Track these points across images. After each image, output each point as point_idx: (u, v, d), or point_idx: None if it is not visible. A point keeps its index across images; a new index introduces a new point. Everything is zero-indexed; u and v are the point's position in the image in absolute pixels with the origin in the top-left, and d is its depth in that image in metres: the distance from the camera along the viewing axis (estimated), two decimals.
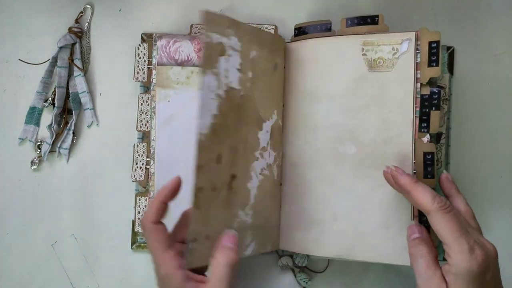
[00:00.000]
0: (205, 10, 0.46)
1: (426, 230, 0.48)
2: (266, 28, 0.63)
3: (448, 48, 0.63)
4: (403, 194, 0.48)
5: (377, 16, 0.54)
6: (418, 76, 0.52)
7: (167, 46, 0.59)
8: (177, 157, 0.58)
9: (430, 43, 0.51)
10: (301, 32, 0.59)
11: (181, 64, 0.59)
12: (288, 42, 0.60)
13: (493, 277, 0.43)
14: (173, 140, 0.59)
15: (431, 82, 0.52)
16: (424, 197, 0.45)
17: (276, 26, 0.63)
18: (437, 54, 0.51)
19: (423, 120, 0.52)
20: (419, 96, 0.52)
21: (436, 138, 0.60)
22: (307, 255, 0.61)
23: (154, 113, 0.58)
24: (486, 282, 0.42)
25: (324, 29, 0.57)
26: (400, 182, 0.47)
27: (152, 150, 0.59)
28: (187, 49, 0.59)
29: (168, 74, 0.59)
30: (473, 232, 0.44)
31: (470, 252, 0.42)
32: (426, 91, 0.52)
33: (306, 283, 0.62)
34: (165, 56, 0.59)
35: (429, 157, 0.52)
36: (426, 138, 0.52)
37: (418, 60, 0.52)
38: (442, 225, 0.43)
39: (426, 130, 0.52)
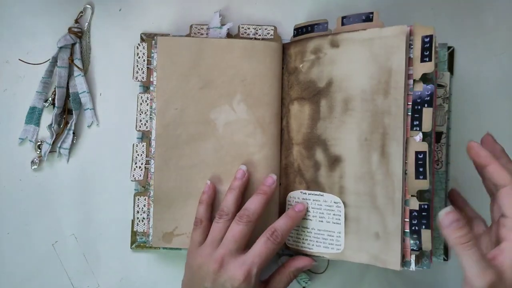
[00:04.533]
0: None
1: (461, 216, 0.47)
2: (265, 28, 0.63)
3: (448, 48, 0.63)
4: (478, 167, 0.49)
5: (372, 13, 0.54)
6: (411, 72, 0.51)
7: None
8: None
9: (423, 37, 0.50)
10: (300, 32, 0.59)
11: None
12: (288, 42, 0.61)
13: None
14: None
15: (426, 79, 0.51)
16: (503, 172, 0.46)
17: (275, 27, 0.63)
18: (430, 49, 0.50)
19: (415, 118, 0.51)
20: (412, 93, 0.51)
21: (436, 137, 0.60)
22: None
23: (154, 113, 0.58)
24: None
25: (322, 28, 0.57)
26: (479, 155, 0.48)
27: (151, 150, 0.59)
28: None
29: None
30: None
31: None
32: (419, 87, 0.51)
33: (306, 283, 0.62)
34: None
35: (421, 156, 0.50)
36: (418, 137, 0.50)
37: (411, 55, 0.51)
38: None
39: (418, 129, 0.50)
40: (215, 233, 0.54)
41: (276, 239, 0.52)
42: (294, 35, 0.60)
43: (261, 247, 0.52)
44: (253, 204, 0.54)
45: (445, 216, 0.44)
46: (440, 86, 0.62)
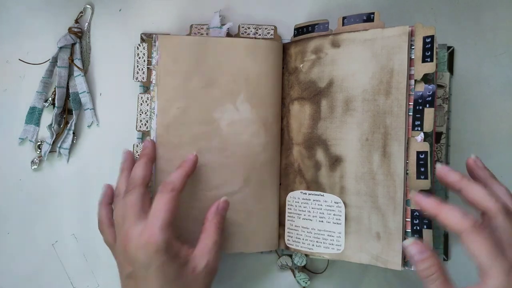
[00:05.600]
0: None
1: (430, 247, 0.46)
2: (265, 28, 0.63)
3: (448, 48, 0.63)
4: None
5: (373, 13, 0.54)
6: (412, 72, 0.51)
7: None
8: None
9: (424, 38, 0.50)
10: (300, 32, 0.59)
11: None
12: (288, 42, 0.61)
13: None
14: None
15: (427, 79, 0.51)
16: (453, 216, 0.42)
17: (275, 27, 0.63)
18: (431, 49, 0.50)
19: (417, 118, 0.51)
20: (413, 93, 0.51)
21: (435, 137, 0.60)
22: (306, 255, 0.61)
23: (154, 113, 0.58)
24: None
25: (322, 28, 0.57)
26: (425, 206, 0.46)
27: None
28: None
29: None
30: (510, 249, 0.42)
31: (507, 275, 0.40)
32: (420, 88, 0.51)
33: (306, 283, 0.62)
34: None
35: (423, 156, 0.50)
36: (419, 137, 0.51)
37: (413, 56, 0.51)
38: (476, 247, 0.41)
39: (419, 129, 0.51)
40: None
41: (169, 188, 0.50)
42: (294, 35, 0.60)
43: (157, 203, 0.49)
44: (138, 169, 0.53)
45: (410, 247, 0.45)
46: (439, 86, 0.62)
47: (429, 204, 0.45)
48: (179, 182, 0.51)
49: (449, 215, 0.43)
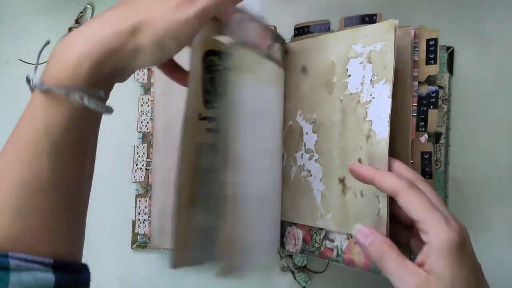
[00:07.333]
0: None
1: (376, 229, 0.45)
2: None
3: (448, 48, 0.63)
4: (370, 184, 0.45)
5: (375, 14, 0.54)
6: (416, 74, 0.52)
7: None
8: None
9: (428, 40, 0.51)
10: (300, 32, 0.59)
11: None
12: (287, 43, 0.61)
13: (470, 249, 0.42)
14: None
15: (429, 81, 0.51)
16: (390, 179, 0.43)
17: (275, 26, 0.63)
18: (435, 51, 0.50)
19: (421, 119, 0.51)
20: (417, 94, 0.51)
21: (435, 138, 0.60)
22: (306, 256, 0.61)
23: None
24: (467, 253, 0.41)
25: (323, 29, 0.57)
26: (361, 173, 0.45)
27: (151, 151, 0.59)
28: None
29: None
30: (441, 207, 0.42)
31: (447, 223, 0.40)
32: (424, 89, 0.51)
33: (306, 282, 0.62)
34: None
35: (427, 156, 0.51)
36: (424, 138, 0.51)
37: (416, 58, 0.52)
38: (414, 202, 0.41)
39: (423, 130, 0.51)
40: None
41: None
42: (294, 35, 0.60)
43: None
44: None
45: (356, 235, 0.45)
46: (439, 87, 0.62)
47: (365, 171, 0.45)
48: None
49: (385, 178, 0.43)
